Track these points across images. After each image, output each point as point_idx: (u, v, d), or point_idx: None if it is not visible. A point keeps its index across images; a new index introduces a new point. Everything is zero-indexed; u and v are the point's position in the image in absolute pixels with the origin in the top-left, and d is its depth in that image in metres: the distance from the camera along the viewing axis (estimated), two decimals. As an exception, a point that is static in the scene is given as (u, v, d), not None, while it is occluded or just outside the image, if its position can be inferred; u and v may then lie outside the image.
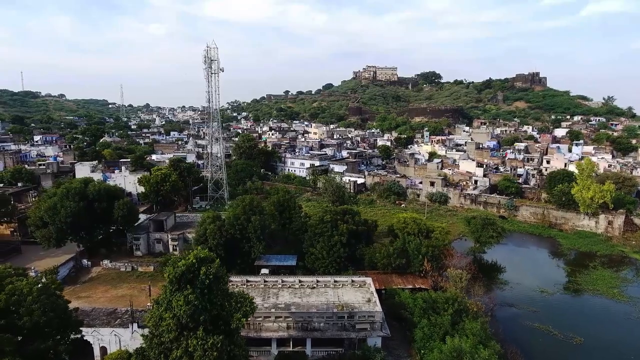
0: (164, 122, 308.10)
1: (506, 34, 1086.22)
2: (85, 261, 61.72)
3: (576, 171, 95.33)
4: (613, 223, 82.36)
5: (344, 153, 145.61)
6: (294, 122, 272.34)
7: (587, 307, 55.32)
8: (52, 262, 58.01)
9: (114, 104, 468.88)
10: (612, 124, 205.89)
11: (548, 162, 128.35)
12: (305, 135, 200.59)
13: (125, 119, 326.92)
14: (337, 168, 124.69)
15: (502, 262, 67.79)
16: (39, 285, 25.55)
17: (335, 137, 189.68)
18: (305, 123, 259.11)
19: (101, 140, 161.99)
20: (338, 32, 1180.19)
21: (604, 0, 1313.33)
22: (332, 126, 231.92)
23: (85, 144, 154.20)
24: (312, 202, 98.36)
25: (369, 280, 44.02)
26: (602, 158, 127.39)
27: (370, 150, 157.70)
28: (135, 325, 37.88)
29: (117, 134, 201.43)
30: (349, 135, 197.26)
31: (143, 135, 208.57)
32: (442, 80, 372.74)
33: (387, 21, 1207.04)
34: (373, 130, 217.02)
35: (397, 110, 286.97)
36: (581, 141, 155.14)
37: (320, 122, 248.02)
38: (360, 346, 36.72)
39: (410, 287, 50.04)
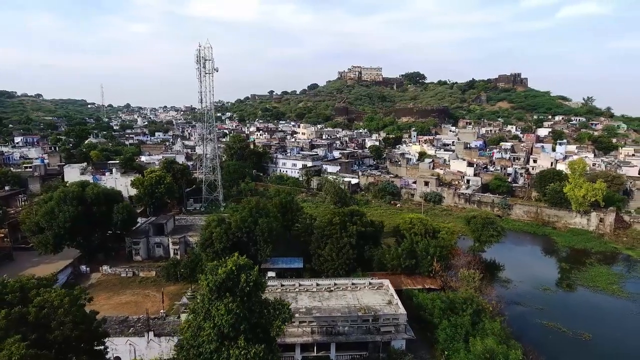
0: (146, 123, 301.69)
1: (490, 35, 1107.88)
2: (83, 267, 59.84)
3: (565, 170, 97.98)
4: (604, 220, 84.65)
5: (336, 153, 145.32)
6: (280, 122, 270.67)
7: (589, 303, 56.55)
8: (47, 269, 55.77)
9: (94, 104, 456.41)
10: (592, 124, 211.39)
11: (535, 161, 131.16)
12: (294, 135, 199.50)
13: (106, 120, 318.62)
14: (330, 168, 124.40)
15: (501, 261, 68.90)
16: (70, 297, 24.30)
17: (324, 137, 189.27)
18: (292, 123, 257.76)
19: (86, 142, 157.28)
20: (325, 33, 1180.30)
21: (579, 3, 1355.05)
22: (319, 126, 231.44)
23: (70, 145, 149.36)
24: (307, 203, 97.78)
25: (386, 282, 43.81)
26: (586, 157, 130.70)
27: (360, 151, 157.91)
28: (151, 333, 36.69)
29: (101, 135, 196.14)
30: (338, 136, 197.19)
31: (127, 136, 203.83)
32: (427, 81, 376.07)
33: (373, 22, 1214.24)
34: (361, 131, 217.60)
35: (383, 111, 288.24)
36: (564, 140, 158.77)
37: (307, 123, 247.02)
38: (384, 349, 36.52)
39: (420, 287, 50.19)
